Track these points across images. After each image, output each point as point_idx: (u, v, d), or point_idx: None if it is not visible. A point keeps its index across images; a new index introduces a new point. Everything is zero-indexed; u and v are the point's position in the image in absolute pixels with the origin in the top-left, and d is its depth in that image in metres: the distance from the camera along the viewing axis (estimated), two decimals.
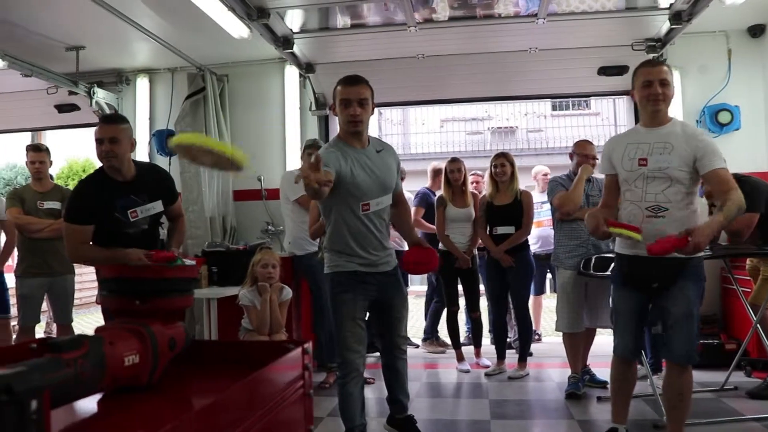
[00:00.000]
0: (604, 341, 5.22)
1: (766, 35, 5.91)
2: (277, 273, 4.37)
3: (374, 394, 4.75)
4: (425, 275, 6.88)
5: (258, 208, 6.30)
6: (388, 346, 3.53)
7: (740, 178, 3.55)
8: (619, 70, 5.94)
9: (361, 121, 3.28)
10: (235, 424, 0.73)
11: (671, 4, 4.97)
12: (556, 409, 4.46)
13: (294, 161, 5.87)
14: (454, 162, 5.69)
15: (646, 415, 4.11)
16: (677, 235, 2.90)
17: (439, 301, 6.41)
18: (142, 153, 6.53)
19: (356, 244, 3.29)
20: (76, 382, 0.71)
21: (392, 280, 3.45)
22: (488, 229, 5.49)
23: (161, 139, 6.35)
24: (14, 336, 5.42)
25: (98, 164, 3.58)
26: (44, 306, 5.58)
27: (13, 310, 5.49)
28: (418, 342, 6.75)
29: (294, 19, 5.26)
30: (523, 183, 5.59)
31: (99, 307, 9.97)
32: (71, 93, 6.36)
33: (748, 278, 4.98)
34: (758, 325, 4.43)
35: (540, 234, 6.42)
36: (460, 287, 5.79)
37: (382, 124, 16.75)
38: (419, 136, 17.71)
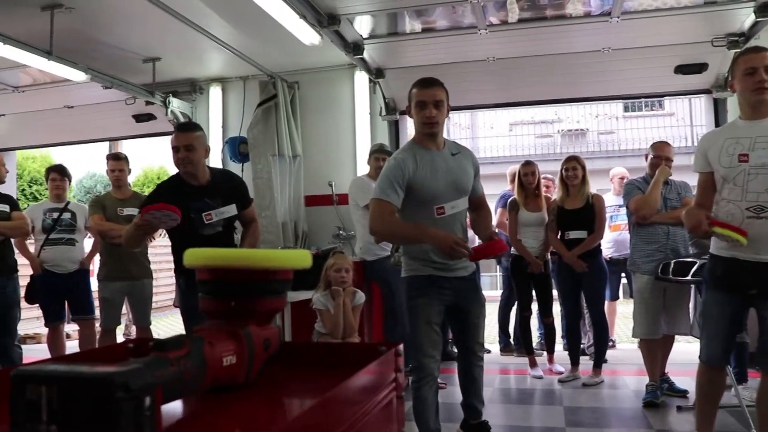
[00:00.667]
0: (682, 349, 5.07)
1: None
2: (350, 277, 4.40)
3: (444, 399, 4.74)
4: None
5: (329, 214, 6.35)
6: (465, 353, 3.51)
7: None
8: (697, 68, 5.73)
9: (437, 123, 3.26)
10: (336, 426, 0.73)
11: None
12: (634, 418, 4.35)
13: (364, 166, 5.90)
14: (528, 165, 5.63)
15: (730, 426, 3.95)
16: None
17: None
18: (215, 160, 6.68)
19: (432, 249, 3.28)
20: (180, 381, 0.72)
21: (469, 286, 3.41)
22: (559, 233, 5.41)
23: (234, 146, 6.49)
24: (97, 337, 5.63)
25: (173, 172, 3.72)
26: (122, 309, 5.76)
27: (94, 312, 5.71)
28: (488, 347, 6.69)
29: (363, 25, 5.29)
30: (594, 186, 5.49)
31: (174, 310, 10.29)
32: (148, 103, 6.58)
33: None
34: None
35: (615, 238, 6.28)
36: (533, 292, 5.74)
37: (450, 128, 16.69)
38: (488, 140, 17.56)
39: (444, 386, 5.03)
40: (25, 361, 5.12)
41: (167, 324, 10.70)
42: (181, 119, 6.52)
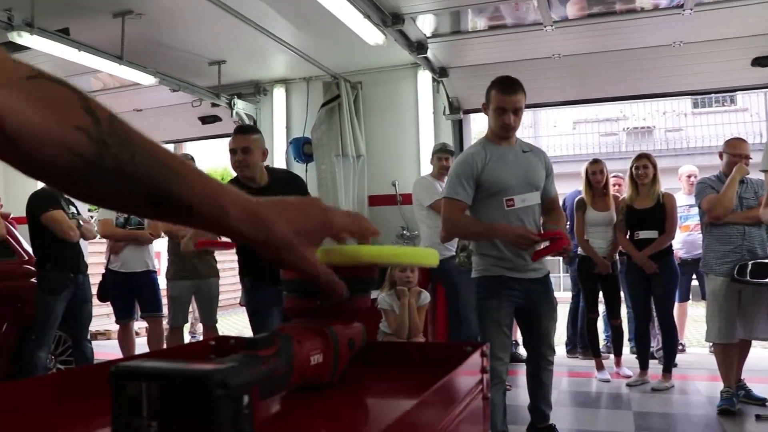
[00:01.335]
0: (760, 355, 4.88)
1: None
2: (416, 277, 4.39)
3: (509, 401, 4.67)
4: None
5: (393, 214, 6.35)
6: (535, 356, 3.46)
7: None
8: None
9: (513, 129, 3.31)
10: (429, 429, 0.71)
11: None
12: (707, 425, 4.21)
13: (427, 166, 5.88)
14: (596, 163, 5.53)
15: None
16: None
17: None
18: (279, 160, 6.76)
19: (503, 250, 3.25)
20: (270, 380, 0.72)
21: (541, 288, 3.37)
22: (628, 233, 5.28)
23: (298, 146, 6.55)
24: (165, 334, 5.76)
25: (234, 173, 3.75)
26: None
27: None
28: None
29: (425, 24, 5.27)
30: (662, 185, 5.33)
31: (237, 308, 10.45)
32: (213, 105, 6.70)
33: None
34: None
35: (686, 239, 6.10)
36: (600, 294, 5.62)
37: None
38: (551, 138, 17.32)
39: (509, 388, 4.97)
40: (96, 356, 5.28)
41: (231, 322, 10.88)
42: (246, 121, 6.62)
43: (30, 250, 5.58)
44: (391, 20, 4.75)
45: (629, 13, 5.02)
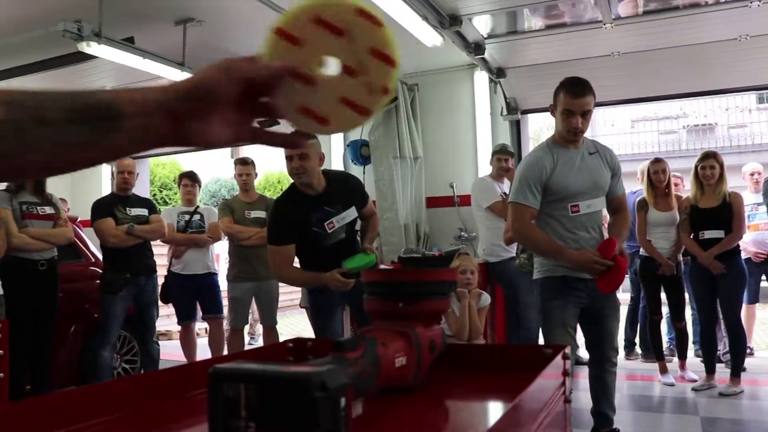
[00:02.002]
0: None
1: None
2: (476, 279, 4.36)
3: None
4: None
5: (450, 215, 6.33)
6: (598, 358, 3.40)
7: None
8: None
9: (581, 132, 3.24)
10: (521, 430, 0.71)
11: None
12: None
13: (485, 167, 5.85)
14: (658, 162, 5.41)
15: None
16: None
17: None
18: (337, 163, 6.80)
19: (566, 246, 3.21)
20: (358, 382, 0.72)
21: None
22: (692, 233, 5.15)
23: (355, 149, 6.59)
24: (225, 335, 5.85)
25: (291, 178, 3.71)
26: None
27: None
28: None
29: (481, 25, 5.23)
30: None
31: (296, 310, 10.55)
32: None
33: None
34: None
35: (754, 238, 5.91)
36: (663, 295, 5.49)
37: None
38: (608, 137, 16.98)
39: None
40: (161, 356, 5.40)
41: (290, 323, 10.99)
42: None
43: (96, 252, 5.77)
44: (449, 22, 4.73)
45: (692, 8, 4.89)
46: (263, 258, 5.42)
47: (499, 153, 5.42)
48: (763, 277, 6.10)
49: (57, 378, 4.96)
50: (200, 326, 6.59)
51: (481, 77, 6.29)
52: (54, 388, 4.88)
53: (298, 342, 1.13)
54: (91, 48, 4.54)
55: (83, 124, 0.70)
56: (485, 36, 5.37)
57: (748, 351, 5.94)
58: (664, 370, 5.47)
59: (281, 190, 15.22)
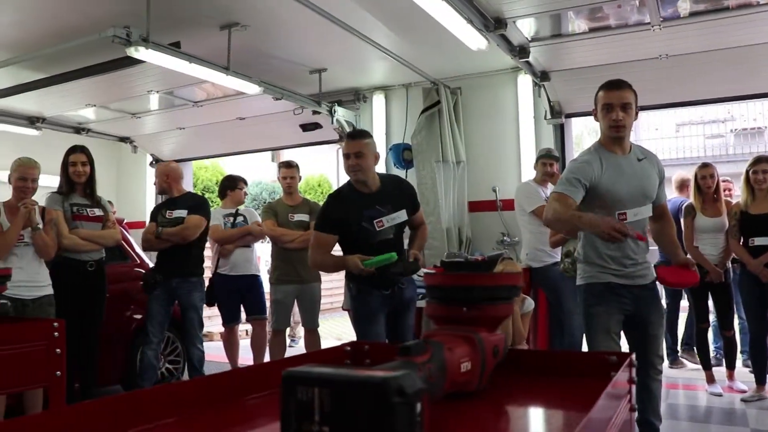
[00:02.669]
0: None
1: None
2: None
3: None
4: None
5: (493, 219, 6.29)
6: (643, 365, 3.33)
7: None
8: None
9: (624, 126, 3.13)
10: None
11: None
12: None
13: (529, 172, 5.79)
14: (706, 167, 5.30)
15: None
16: None
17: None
18: (379, 166, 6.80)
19: (610, 256, 3.15)
20: (427, 387, 0.71)
21: (650, 294, 3.26)
22: (742, 239, 5.03)
23: (398, 152, 6.59)
24: (268, 337, 5.89)
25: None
26: None
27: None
28: None
29: (525, 27, 5.19)
30: None
31: (339, 312, 10.58)
32: (314, 112, 6.81)
33: None
34: None
35: None
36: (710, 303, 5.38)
37: None
38: (652, 142, 16.71)
39: None
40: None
41: (331, 326, 11.03)
42: (347, 128, 6.71)
43: (141, 253, 5.87)
44: (494, 25, 4.70)
45: (742, 8, 4.77)
46: (306, 261, 5.41)
47: (545, 157, 5.37)
48: None
49: (102, 377, 5.05)
50: (241, 328, 6.63)
51: (525, 80, 6.24)
52: (100, 387, 4.98)
53: (356, 345, 1.13)
54: (139, 53, 4.62)
55: None
56: (529, 39, 5.32)
57: None
58: (711, 380, 5.36)
59: (321, 193, 15.35)
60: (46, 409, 4.03)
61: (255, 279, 5.86)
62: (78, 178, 4.76)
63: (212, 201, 14.64)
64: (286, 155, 12.29)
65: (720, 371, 5.53)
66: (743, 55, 5.37)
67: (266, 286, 5.98)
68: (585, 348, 3.83)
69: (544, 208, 5.08)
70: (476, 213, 6.37)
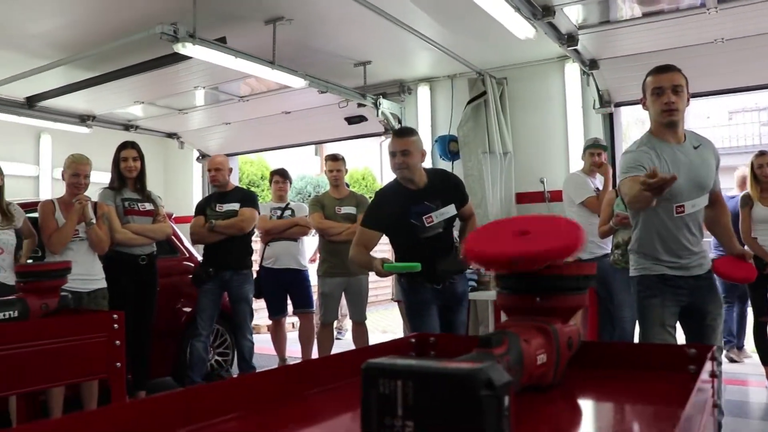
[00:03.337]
0: None
1: None
2: None
3: None
4: None
5: (541, 211, 6.18)
6: None
7: None
8: None
9: (677, 110, 3.01)
10: None
11: None
12: None
13: (577, 162, 5.68)
14: (763, 155, 5.14)
15: None
16: None
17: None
18: (426, 159, 6.77)
19: (664, 248, 3.06)
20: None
21: (706, 284, 3.14)
22: None
23: (443, 144, 6.54)
24: (315, 330, 5.92)
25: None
26: None
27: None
28: None
29: (573, 14, 5.08)
30: None
31: (386, 305, 10.58)
32: (359, 105, 6.80)
33: None
34: None
35: None
36: None
37: None
38: (704, 130, 16.27)
39: None
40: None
41: (378, 318, 11.03)
42: (392, 120, 6.68)
43: (190, 247, 5.94)
44: (542, 12, 4.61)
45: None
46: None
47: (592, 147, 5.27)
48: None
49: (153, 369, 5.13)
50: (288, 321, 6.68)
51: (572, 69, 6.11)
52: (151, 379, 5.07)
53: (421, 337, 1.10)
54: (186, 49, 4.67)
55: None
56: (578, 26, 5.21)
57: None
58: None
59: (366, 187, 15.35)
60: (103, 401, 4.12)
61: (299, 273, 5.90)
62: (129, 173, 4.83)
63: (258, 195, 14.79)
64: (330, 149, 12.32)
65: None
66: None
67: (313, 279, 6.01)
68: (636, 341, 3.73)
69: (593, 198, 5.02)
70: (524, 204, 6.28)
